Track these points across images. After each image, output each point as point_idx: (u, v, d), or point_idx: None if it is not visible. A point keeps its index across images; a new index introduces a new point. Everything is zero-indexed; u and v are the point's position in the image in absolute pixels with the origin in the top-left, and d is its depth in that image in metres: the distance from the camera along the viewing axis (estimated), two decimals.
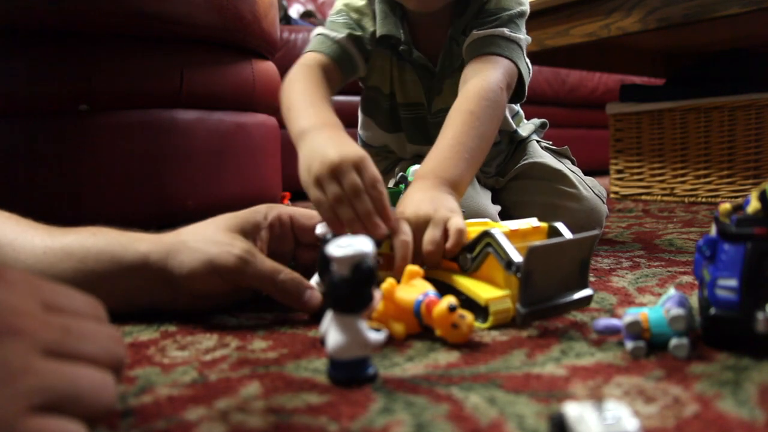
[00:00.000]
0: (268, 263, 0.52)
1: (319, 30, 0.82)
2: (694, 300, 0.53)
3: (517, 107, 0.96)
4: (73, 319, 0.30)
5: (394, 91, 0.88)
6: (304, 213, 0.58)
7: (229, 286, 0.52)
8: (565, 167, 0.89)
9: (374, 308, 0.39)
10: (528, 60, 0.84)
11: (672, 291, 0.47)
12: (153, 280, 0.51)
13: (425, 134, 0.91)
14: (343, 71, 0.81)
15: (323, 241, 0.53)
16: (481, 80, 0.72)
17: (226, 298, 0.55)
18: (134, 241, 0.51)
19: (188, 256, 0.50)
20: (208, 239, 0.52)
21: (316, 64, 0.77)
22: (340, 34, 0.80)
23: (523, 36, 0.81)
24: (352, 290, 0.38)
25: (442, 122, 0.78)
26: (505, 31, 0.78)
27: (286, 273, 0.52)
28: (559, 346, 0.45)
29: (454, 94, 0.81)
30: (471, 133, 0.67)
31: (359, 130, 1.00)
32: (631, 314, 0.42)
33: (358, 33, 0.81)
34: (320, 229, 0.55)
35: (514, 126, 0.94)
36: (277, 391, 0.38)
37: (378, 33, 0.81)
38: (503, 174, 0.93)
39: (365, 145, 0.98)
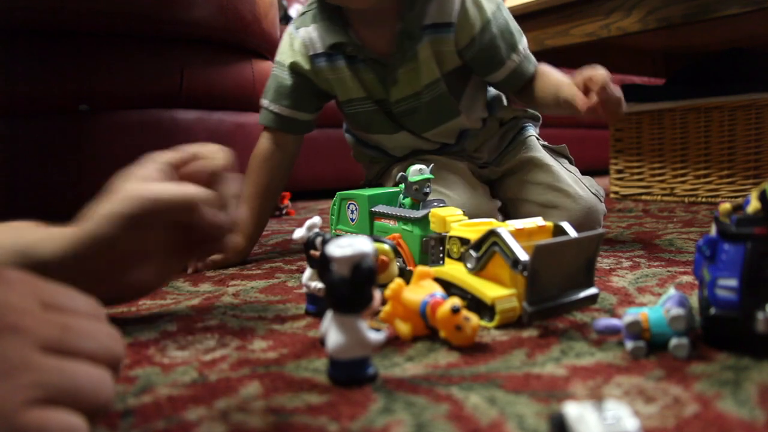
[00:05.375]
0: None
1: (263, 98, 0.91)
2: (694, 300, 0.53)
3: (495, 91, 0.99)
4: (71, 317, 0.30)
5: (360, 93, 0.90)
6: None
7: (156, 233, 0.49)
8: (562, 166, 0.89)
9: (374, 308, 0.39)
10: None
11: (672, 291, 0.47)
12: (76, 276, 0.45)
13: (399, 124, 0.92)
14: (293, 132, 0.91)
15: (307, 244, 0.52)
16: (549, 71, 0.88)
17: (161, 270, 0.52)
18: (44, 240, 0.47)
19: (104, 212, 0.47)
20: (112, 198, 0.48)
21: (266, 150, 0.90)
22: (273, 103, 0.89)
23: (521, 33, 0.88)
24: (352, 290, 0.38)
25: (406, 111, 0.89)
26: (521, 48, 0.87)
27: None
28: (559, 346, 0.45)
29: (409, 83, 0.87)
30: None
31: (353, 140, 1.02)
32: (631, 314, 0.42)
33: (287, 83, 0.88)
34: (298, 233, 0.54)
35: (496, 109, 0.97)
36: (277, 391, 0.38)
37: (326, 44, 0.84)
38: (499, 164, 0.94)
39: (361, 145, 1.00)
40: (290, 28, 0.90)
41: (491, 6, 0.85)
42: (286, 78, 0.89)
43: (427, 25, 0.83)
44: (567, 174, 0.88)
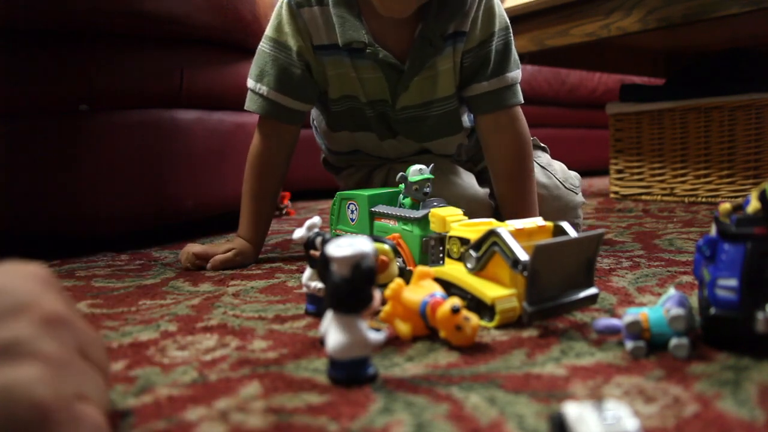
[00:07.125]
0: None
1: (255, 81, 0.81)
2: (694, 300, 0.53)
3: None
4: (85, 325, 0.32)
5: (357, 92, 0.84)
6: None
7: None
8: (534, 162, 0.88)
9: (374, 308, 0.39)
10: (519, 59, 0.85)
11: (672, 291, 0.47)
12: None
13: (390, 129, 0.87)
14: (295, 122, 0.83)
15: (307, 244, 0.52)
16: (519, 139, 0.82)
17: None
18: None
19: None
20: None
21: (263, 147, 0.83)
22: (275, 92, 0.79)
23: (519, 66, 0.83)
24: (352, 290, 0.38)
25: (406, 119, 0.84)
26: (511, 76, 0.81)
27: None
28: (559, 346, 0.45)
29: (420, 92, 0.82)
30: (533, 188, 0.82)
31: (324, 147, 0.97)
32: (631, 314, 0.42)
33: (293, 69, 0.78)
34: (298, 233, 0.54)
35: (469, 123, 0.93)
36: (277, 391, 0.38)
37: (341, 42, 0.76)
38: (476, 162, 0.95)
39: (334, 154, 0.96)
40: (290, 0, 0.77)
41: (502, 23, 0.81)
42: (294, 64, 0.78)
43: (449, 34, 0.79)
44: (538, 171, 0.87)
